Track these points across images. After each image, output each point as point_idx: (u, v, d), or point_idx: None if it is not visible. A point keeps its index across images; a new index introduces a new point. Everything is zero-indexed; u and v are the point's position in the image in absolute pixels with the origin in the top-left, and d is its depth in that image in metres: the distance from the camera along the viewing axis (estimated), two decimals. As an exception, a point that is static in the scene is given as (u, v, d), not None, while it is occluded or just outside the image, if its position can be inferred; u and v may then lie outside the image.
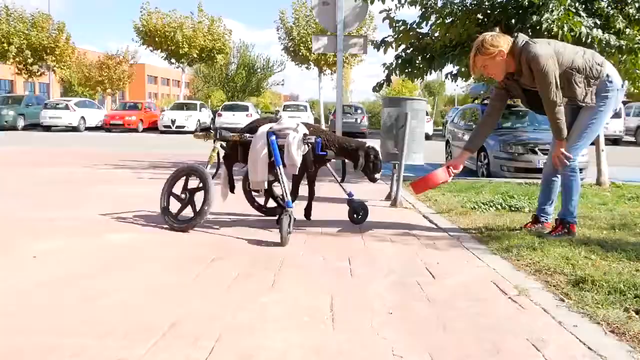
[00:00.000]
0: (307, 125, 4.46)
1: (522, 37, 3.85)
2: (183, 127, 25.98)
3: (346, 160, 4.45)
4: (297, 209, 4.58)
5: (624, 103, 24.94)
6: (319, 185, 6.84)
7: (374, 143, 4.67)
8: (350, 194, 4.67)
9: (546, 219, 4.28)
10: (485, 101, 11.68)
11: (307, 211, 4.64)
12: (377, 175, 4.25)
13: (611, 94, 3.90)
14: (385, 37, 8.12)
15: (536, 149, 9.22)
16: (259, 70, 42.93)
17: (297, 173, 4.25)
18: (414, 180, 4.18)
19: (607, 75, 3.89)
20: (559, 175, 4.12)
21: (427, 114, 20.19)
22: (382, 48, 8.14)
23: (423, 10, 7.68)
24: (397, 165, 5.95)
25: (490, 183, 7.67)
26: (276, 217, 4.84)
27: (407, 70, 8.33)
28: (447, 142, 12.69)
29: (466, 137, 11.16)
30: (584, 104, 3.89)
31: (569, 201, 4.04)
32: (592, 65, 3.86)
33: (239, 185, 5.02)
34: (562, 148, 3.93)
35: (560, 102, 3.80)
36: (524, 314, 2.57)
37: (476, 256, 3.61)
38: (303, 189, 4.55)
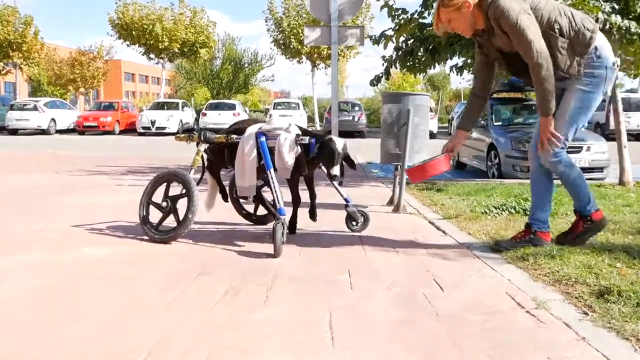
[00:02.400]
0: (298, 126, 4.44)
1: None
2: (164, 128, 25.95)
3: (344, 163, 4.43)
4: (302, 215, 4.58)
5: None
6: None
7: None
8: (347, 200, 4.66)
9: (540, 227, 3.92)
10: (495, 95, 11.71)
11: (312, 212, 4.62)
12: (333, 171, 4.12)
13: (598, 71, 3.59)
14: (385, 30, 8.13)
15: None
16: (246, 65, 42.93)
17: (289, 177, 4.24)
18: (412, 167, 4.14)
19: (596, 48, 3.58)
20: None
21: (430, 110, 20.25)
22: (383, 42, 8.14)
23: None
24: (399, 166, 5.94)
25: (501, 185, 7.67)
26: (268, 226, 4.81)
27: (408, 64, 8.34)
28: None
29: (475, 135, 11.20)
30: (567, 76, 3.60)
31: (578, 193, 3.77)
32: (579, 29, 3.55)
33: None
34: (550, 127, 3.63)
35: (548, 66, 3.48)
36: (543, 329, 2.55)
37: (489, 265, 3.60)
38: (303, 192, 4.53)
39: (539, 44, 3.49)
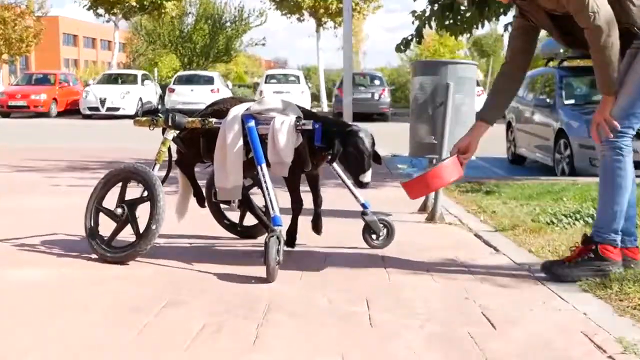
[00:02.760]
0: (299, 107, 4.45)
1: None
2: (117, 109, 26.04)
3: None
4: (304, 225, 4.60)
5: None
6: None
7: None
8: (365, 205, 4.67)
9: (611, 241, 3.82)
10: (566, 62, 11.68)
11: (316, 223, 4.63)
12: (363, 177, 4.17)
13: None
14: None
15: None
16: (228, 24, 42.94)
17: (286, 175, 4.25)
18: (409, 179, 4.14)
19: None
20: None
21: (477, 84, 20.13)
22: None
23: None
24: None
25: (574, 185, 7.66)
26: (259, 240, 4.83)
27: (447, 22, 8.35)
28: (509, 124, 12.72)
29: (537, 118, 11.21)
30: None
31: (605, 204, 3.77)
32: None
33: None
34: (608, 109, 3.65)
35: (610, 30, 3.50)
36: (629, 379, 2.56)
37: (557, 294, 3.59)
38: (306, 196, 4.55)
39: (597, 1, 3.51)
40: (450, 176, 4.00)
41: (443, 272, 4.10)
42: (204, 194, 4.77)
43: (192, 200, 4.76)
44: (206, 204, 4.81)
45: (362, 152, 4.15)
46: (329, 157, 4.25)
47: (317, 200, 4.60)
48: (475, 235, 5.20)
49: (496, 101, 4.14)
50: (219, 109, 4.49)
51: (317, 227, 4.65)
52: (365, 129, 4.26)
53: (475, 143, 4.10)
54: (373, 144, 4.22)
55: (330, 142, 4.20)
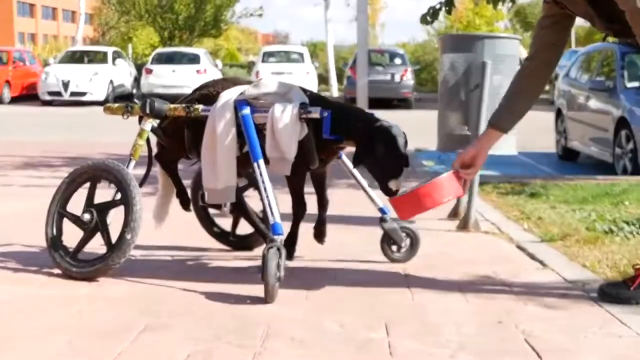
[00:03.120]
0: (302, 88, 4.47)
1: None
2: (83, 94, 26.04)
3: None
4: (309, 232, 4.60)
5: None
6: (328, 192, 6.82)
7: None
8: (384, 211, 4.68)
9: None
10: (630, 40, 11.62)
11: (319, 230, 4.64)
12: (394, 184, 4.17)
13: None
14: None
15: None
16: (217, -10, 43.01)
17: (289, 173, 4.27)
18: (399, 195, 4.11)
19: None
20: None
21: (520, 63, 19.95)
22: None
23: None
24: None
25: (639, 185, 7.65)
26: (256, 252, 4.84)
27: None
28: (559, 112, 12.69)
29: (593, 105, 11.17)
30: None
31: None
32: None
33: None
34: None
35: None
36: None
37: (616, 318, 3.60)
38: (310, 198, 4.57)
39: None
40: (446, 195, 3.98)
41: (478, 291, 4.11)
42: (189, 196, 4.78)
43: (175, 203, 4.76)
44: (191, 208, 4.82)
45: (396, 155, 4.17)
46: (341, 152, 4.27)
47: (322, 203, 4.62)
48: (518, 246, 5.21)
49: (514, 104, 4.10)
50: (208, 94, 4.50)
51: (320, 235, 4.67)
52: (396, 125, 4.26)
53: (484, 155, 4.07)
54: (406, 143, 4.24)
55: (348, 137, 4.22)
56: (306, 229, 4.61)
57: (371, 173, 4.28)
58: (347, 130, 4.22)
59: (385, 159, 4.16)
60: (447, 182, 3.99)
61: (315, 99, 4.39)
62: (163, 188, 4.74)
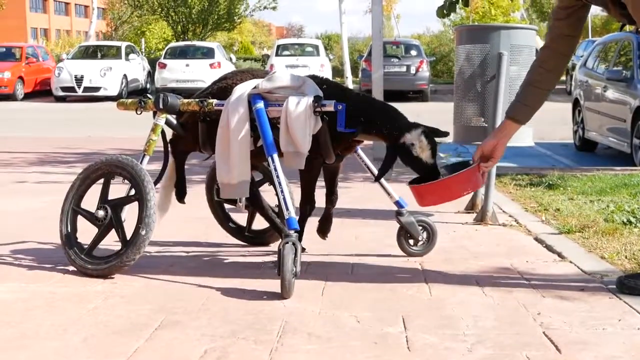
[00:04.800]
0: (318, 80, 4.47)
1: None
2: (97, 89, 26.09)
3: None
4: (310, 227, 4.59)
5: None
6: (344, 186, 6.81)
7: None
8: (401, 204, 4.67)
9: None
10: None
11: (324, 225, 4.64)
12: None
13: None
14: None
15: None
16: (230, -17, 43.01)
17: (302, 167, 4.27)
18: (420, 185, 4.16)
19: None
20: None
21: (537, 53, 19.82)
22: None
23: None
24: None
25: (656, 176, 7.62)
26: (271, 247, 4.85)
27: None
28: (576, 102, 12.64)
29: (611, 95, 11.12)
30: None
31: None
32: None
33: (197, 192, 5.03)
34: None
35: None
36: None
37: (636, 310, 3.59)
38: (319, 194, 4.57)
39: None
40: (465, 188, 4.07)
41: (496, 284, 4.10)
42: (185, 186, 4.72)
43: (188, 198, 4.77)
44: (184, 199, 4.74)
45: (434, 157, 4.19)
46: (358, 147, 4.27)
47: (331, 197, 4.62)
48: (536, 238, 5.20)
49: (529, 96, 4.10)
50: (226, 86, 4.50)
51: (324, 229, 4.67)
52: (427, 127, 4.26)
53: (502, 147, 4.09)
54: (435, 148, 4.26)
55: (373, 133, 4.25)
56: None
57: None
58: (373, 127, 4.24)
59: (421, 161, 4.18)
60: (469, 175, 4.03)
61: (334, 90, 4.37)
62: (167, 178, 4.70)
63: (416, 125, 4.24)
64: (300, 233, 4.45)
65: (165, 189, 4.71)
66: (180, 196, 4.71)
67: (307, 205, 4.49)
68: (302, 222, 4.49)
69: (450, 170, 4.23)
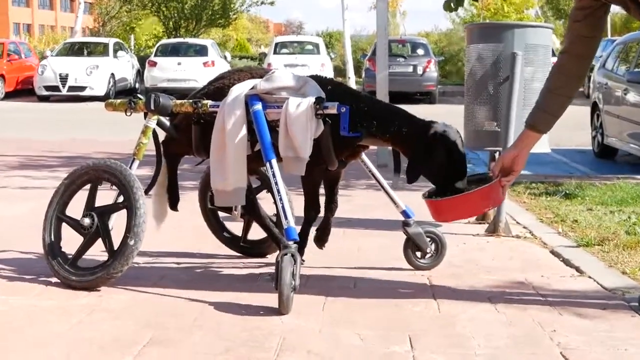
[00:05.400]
0: (320, 80, 4.46)
1: None
2: (83, 88, 26.08)
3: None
4: (309, 237, 4.59)
5: None
6: (347, 194, 6.81)
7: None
8: (408, 214, 4.66)
9: None
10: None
11: (322, 234, 4.64)
12: (461, 184, 4.22)
13: None
14: None
15: None
16: (225, -24, 43.05)
17: (303, 173, 4.27)
18: (437, 199, 4.16)
19: None
20: None
21: (553, 54, 19.84)
22: None
23: None
24: (497, 154, 5.92)
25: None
26: (267, 258, 4.84)
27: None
28: (594, 106, 12.64)
29: (632, 98, 11.11)
30: None
31: None
32: None
33: (190, 199, 5.02)
34: None
35: None
36: None
37: (659, 329, 3.58)
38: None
39: None
40: (486, 204, 4.08)
41: (509, 300, 4.09)
42: (178, 193, 4.73)
43: (181, 206, 4.76)
44: (177, 206, 4.75)
45: (459, 159, 4.19)
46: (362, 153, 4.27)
47: (331, 205, 4.61)
48: (552, 252, 5.19)
49: (549, 103, 4.08)
50: (222, 87, 4.49)
51: (322, 238, 4.66)
52: (449, 125, 4.26)
53: (524, 159, 4.07)
54: (462, 140, 4.27)
55: (385, 138, 4.25)
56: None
57: (431, 179, 4.31)
58: (383, 131, 4.24)
59: (448, 166, 4.19)
60: (490, 191, 4.02)
61: (339, 90, 4.38)
62: (161, 185, 4.70)
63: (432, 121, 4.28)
64: (303, 241, 4.47)
65: (160, 197, 4.70)
66: (173, 203, 4.71)
67: (311, 211, 4.49)
68: (306, 228, 4.52)
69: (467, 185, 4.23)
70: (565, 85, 4.09)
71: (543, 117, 4.09)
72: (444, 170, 4.21)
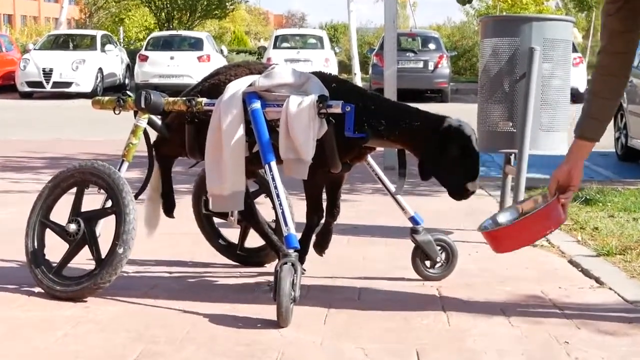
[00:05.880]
0: (323, 76, 4.48)
1: None
2: (68, 84, 26.08)
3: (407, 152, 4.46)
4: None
5: None
6: (351, 199, 6.81)
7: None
8: (416, 220, 4.67)
9: None
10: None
11: (323, 240, 4.65)
12: (472, 186, 4.27)
13: None
14: None
15: None
16: (222, -36, 43.05)
17: (305, 177, 4.27)
18: (494, 229, 4.15)
19: None
20: None
21: (574, 50, 19.73)
22: None
23: None
24: (513, 157, 5.94)
25: None
26: (265, 267, 4.85)
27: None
28: (619, 105, 12.61)
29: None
30: None
31: None
32: None
33: (183, 204, 5.04)
34: None
35: None
36: None
37: (684, 345, 3.58)
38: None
39: None
40: (547, 226, 3.98)
41: (524, 313, 4.10)
42: (173, 199, 4.74)
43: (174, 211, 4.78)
44: (172, 212, 4.75)
45: (473, 156, 4.22)
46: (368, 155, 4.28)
47: (333, 211, 4.63)
48: (570, 261, 5.20)
49: (594, 108, 4.04)
50: (218, 83, 4.50)
51: (322, 245, 4.68)
52: (459, 119, 4.28)
53: (579, 171, 4.01)
54: (476, 138, 4.29)
55: (395, 138, 4.27)
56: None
57: (440, 179, 4.33)
58: (392, 130, 4.25)
59: (462, 162, 4.22)
60: (549, 211, 3.97)
61: (343, 88, 4.40)
62: (153, 190, 4.71)
63: (445, 118, 4.31)
64: (304, 248, 4.49)
65: (153, 202, 4.71)
66: (169, 209, 4.72)
67: (314, 217, 4.52)
68: (308, 234, 4.54)
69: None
70: (608, 87, 4.05)
71: (591, 124, 4.05)
72: (458, 168, 4.24)
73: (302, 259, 4.51)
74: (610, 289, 4.54)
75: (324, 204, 4.61)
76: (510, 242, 4.07)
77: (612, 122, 12.51)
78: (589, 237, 5.82)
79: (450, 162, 4.23)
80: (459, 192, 4.29)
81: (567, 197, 4.01)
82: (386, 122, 4.26)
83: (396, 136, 4.30)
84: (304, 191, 4.48)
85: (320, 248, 4.68)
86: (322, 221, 4.61)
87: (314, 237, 4.65)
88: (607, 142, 12.62)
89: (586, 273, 4.89)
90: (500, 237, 4.08)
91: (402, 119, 4.29)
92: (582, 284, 4.69)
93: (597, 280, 4.72)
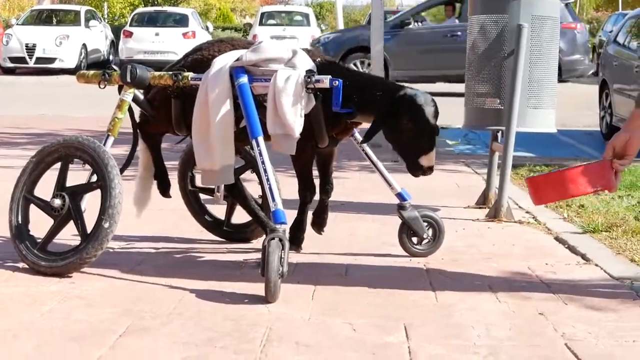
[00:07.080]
0: (309, 52, 4.47)
1: None
2: (52, 60, 25.98)
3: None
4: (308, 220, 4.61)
5: None
6: (339, 176, 6.80)
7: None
8: (403, 196, 4.68)
9: None
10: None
11: (319, 218, 4.65)
12: (427, 161, 4.24)
13: None
14: None
15: None
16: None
17: (293, 152, 4.27)
18: (539, 174, 4.14)
19: None
20: None
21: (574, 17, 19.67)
22: None
23: None
24: (499, 134, 5.94)
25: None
26: (252, 243, 4.85)
27: None
28: (603, 84, 12.63)
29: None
30: None
31: None
32: None
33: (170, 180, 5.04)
34: None
35: None
36: None
37: (670, 321, 3.59)
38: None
39: None
40: (594, 184, 3.91)
41: (511, 289, 4.11)
42: (167, 178, 4.74)
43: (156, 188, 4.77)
44: (168, 192, 4.77)
45: (424, 127, 4.19)
46: (355, 130, 4.27)
47: (325, 187, 4.63)
48: (556, 238, 5.22)
49: None
50: (201, 58, 4.49)
51: (319, 223, 4.69)
52: (424, 92, 4.27)
53: (637, 141, 3.88)
54: (437, 112, 4.27)
55: (365, 110, 4.24)
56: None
57: (396, 150, 4.33)
58: (363, 103, 4.24)
59: (411, 133, 4.20)
60: (599, 169, 3.89)
61: (327, 65, 4.39)
62: (144, 168, 4.71)
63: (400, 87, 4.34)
64: (301, 225, 4.52)
65: (143, 180, 4.70)
66: (164, 189, 4.72)
67: (306, 192, 4.52)
68: (302, 210, 4.55)
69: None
70: None
71: None
72: (407, 139, 4.23)
73: (301, 235, 4.55)
74: (596, 265, 4.56)
75: (316, 181, 4.61)
76: (553, 192, 3.99)
77: (597, 101, 12.57)
78: (575, 214, 5.85)
79: (401, 132, 4.24)
80: (414, 166, 4.26)
81: (623, 163, 3.88)
82: (358, 95, 4.25)
83: (365, 108, 4.30)
84: (294, 168, 4.47)
85: (318, 226, 4.69)
86: (316, 199, 4.62)
87: (310, 216, 4.65)
88: (592, 121, 12.71)
89: (572, 250, 4.91)
90: (546, 184, 3.99)
91: (370, 90, 4.30)
92: (568, 261, 4.71)
93: (584, 256, 4.74)
